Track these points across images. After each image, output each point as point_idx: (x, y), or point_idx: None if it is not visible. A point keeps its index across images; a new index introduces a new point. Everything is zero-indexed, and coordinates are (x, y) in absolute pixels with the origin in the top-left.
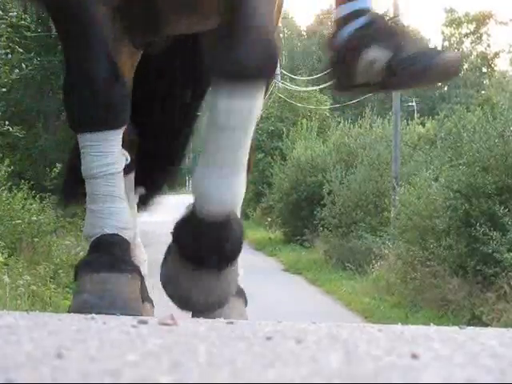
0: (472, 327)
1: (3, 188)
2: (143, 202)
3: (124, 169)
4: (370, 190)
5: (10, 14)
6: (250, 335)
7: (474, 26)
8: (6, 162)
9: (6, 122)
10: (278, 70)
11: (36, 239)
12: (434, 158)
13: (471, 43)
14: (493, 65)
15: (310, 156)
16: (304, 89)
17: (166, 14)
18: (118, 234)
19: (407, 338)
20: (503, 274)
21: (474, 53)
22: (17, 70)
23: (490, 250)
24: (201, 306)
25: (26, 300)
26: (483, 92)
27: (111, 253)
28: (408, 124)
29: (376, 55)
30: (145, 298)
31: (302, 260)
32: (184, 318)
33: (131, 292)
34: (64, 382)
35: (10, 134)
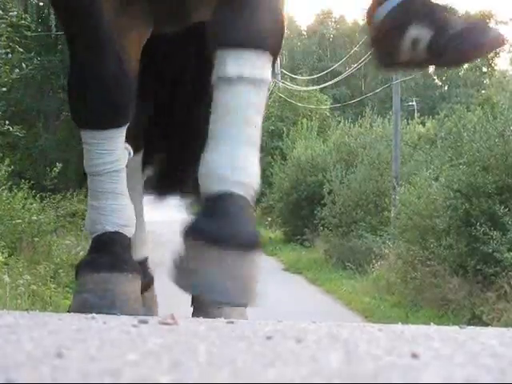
0: (472, 327)
1: (3, 187)
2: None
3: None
4: (371, 190)
5: (10, 13)
6: (250, 335)
7: None
8: (7, 161)
9: (7, 122)
10: (278, 70)
11: (36, 239)
12: (435, 157)
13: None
14: (493, 64)
15: (310, 155)
16: (304, 88)
17: (193, 2)
18: (118, 232)
19: (407, 338)
20: (503, 273)
21: None
22: (17, 70)
23: (491, 250)
24: (228, 292)
25: (26, 299)
26: (483, 91)
27: (112, 252)
28: (408, 123)
29: (418, 33)
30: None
31: (303, 259)
32: (184, 317)
33: (131, 292)
34: (64, 381)
35: (11, 133)
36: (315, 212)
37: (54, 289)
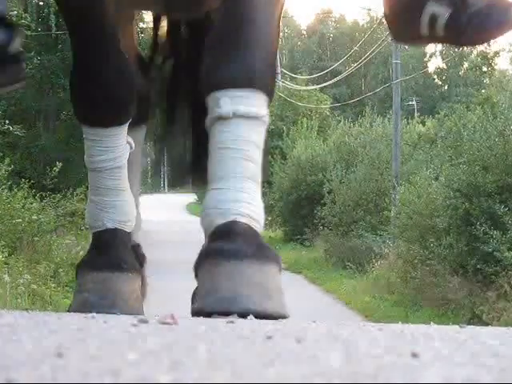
0: (472, 326)
1: (3, 187)
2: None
3: (135, 121)
4: (371, 189)
5: (10, 12)
6: (250, 334)
7: None
8: (7, 160)
9: (6, 121)
10: (278, 69)
11: (36, 238)
12: (435, 156)
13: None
14: (493, 64)
15: (310, 155)
16: (304, 88)
17: None
18: (119, 229)
19: (407, 337)
20: (503, 272)
21: (474, 52)
22: None
23: (491, 249)
24: (248, 300)
25: (26, 299)
26: (483, 91)
27: (112, 251)
28: (408, 123)
29: (436, 10)
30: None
31: (303, 259)
32: (184, 317)
33: (132, 291)
34: (64, 381)
35: (11, 132)
36: (315, 211)
37: (54, 288)
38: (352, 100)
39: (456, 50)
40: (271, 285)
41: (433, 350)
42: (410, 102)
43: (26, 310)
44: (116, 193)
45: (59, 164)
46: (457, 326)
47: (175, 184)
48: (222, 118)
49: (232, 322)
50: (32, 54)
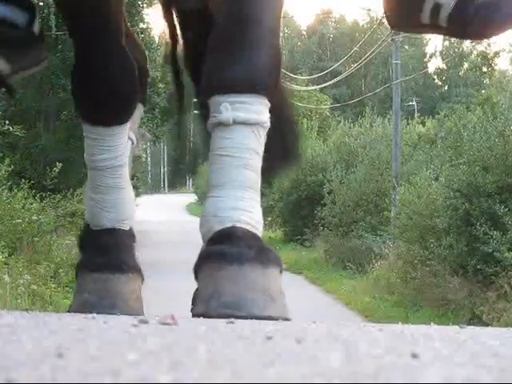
0: (472, 326)
1: (3, 187)
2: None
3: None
4: (371, 190)
5: None
6: (251, 335)
7: None
8: (7, 161)
9: (7, 122)
10: None
11: (36, 238)
12: (435, 157)
13: (471, 42)
14: (493, 64)
15: (310, 155)
16: (304, 88)
17: None
18: (118, 229)
19: (407, 338)
20: (503, 273)
21: (475, 52)
22: None
23: (491, 250)
24: (253, 304)
25: (26, 299)
26: (483, 91)
27: (112, 252)
28: (408, 123)
29: (439, 1)
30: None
31: (303, 259)
32: (184, 317)
33: (132, 292)
34: (64, 381)
35: (11, 133)
36: (315, 212)
37: (54, 288)
38: (352, 100)
39: (456, 50)
40: (274, 288)
41: (433, 350)
42: (410, 103)
43: (26, 310)
44: (117, 191)
45: (59, 164)
46: (457, 327)
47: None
48: (222, 124)
49: (232, 322)
50: None
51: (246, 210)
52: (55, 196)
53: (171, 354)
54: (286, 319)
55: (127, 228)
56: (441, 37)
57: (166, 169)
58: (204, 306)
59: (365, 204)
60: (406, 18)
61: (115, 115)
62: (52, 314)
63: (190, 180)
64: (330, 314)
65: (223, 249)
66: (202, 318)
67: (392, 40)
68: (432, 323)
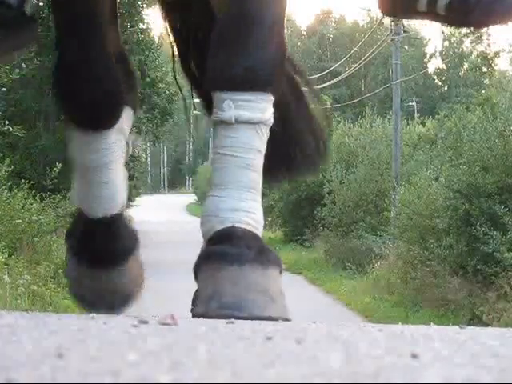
0: (472, 327)
1: (3, 188)
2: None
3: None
4: (371, 190)
5: None
6: (251, 335)
7: None
8: (7, 161)
9: (6, 122)
10: None
11: (36, 239)
12: (434, 157)
13: (471, 43)
14: (493, 64)
15: None
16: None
17: None
18: (108, 217)
19: (407, 338)
20: (503, 273)
21: (475, 52)
22: (17, 70)
23: (491, 250)
24: (253, 305)
25: (26, 299)
26: (483, 91)
27: (103, 244)
28: (408, 123)
29: None
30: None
31: (303, 259)
32: (184, 317)
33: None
34: (64, 381)
35: (11, 133)
36: (315, 212)
37: (54, 289)
38: (352, 101)
39: (456, 50)
40: (274, 288)
41: (433, 350)
42: (410, 103)
43: (26, 310)
44: (109, 186)
45: (59, 165)
46: (457, 327)
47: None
48: (224, 124)
49: (232, 322)
50: (32, 54)
51: (247, 210)
52: (55, 196)
53: (171, 354)
54: (286, 320)
55: (119, 212)
56: (440, 37)
57: (165, 169)
58: (204, 307)
59: (365, 204)
60: (401, 5)
61: (100, 118)
62: (52, 315)
63: (190, 180)
64: (329, 314)
65: (223, 249)
66: (202, 318)
67: (392, 40)
68: (432, 323)
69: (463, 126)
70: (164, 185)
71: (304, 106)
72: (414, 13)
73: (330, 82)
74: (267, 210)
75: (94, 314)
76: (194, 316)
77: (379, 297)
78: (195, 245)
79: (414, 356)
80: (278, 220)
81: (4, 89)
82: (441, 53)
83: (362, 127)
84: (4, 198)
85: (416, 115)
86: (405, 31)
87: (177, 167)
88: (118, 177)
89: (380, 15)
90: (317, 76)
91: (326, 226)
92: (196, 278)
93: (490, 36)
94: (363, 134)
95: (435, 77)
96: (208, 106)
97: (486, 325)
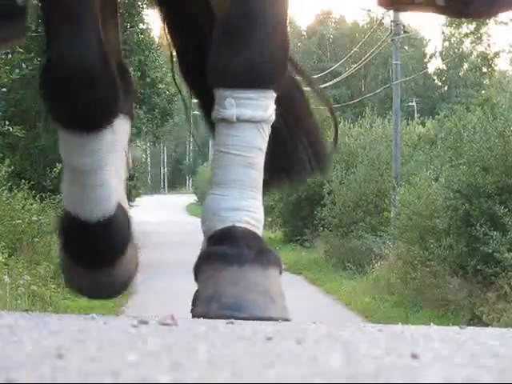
0: (472, 327)
1: (3, 188)
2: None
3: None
4: (370, 190)
5: None
6: (251, 335)
7: (474, 25)
8: (7, 161)
9: (7, 122)
10: None
11: (36, 239)
12: (434, 157)
13: (471, 43)
14: (493, 65)
15: None
16: (304, 89)
17: None
18: (107, 220)
19: (407, 338)
20: (503, 273)
21: (474, 53)
22: (17, 70)
23: (491, 250)
24: (254, 306)
25: (26, 300)
26: (483, 92)
27: (101, 246)
28: (408, 124)
29: None
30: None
31: (303, 260)
32: (184, 318)
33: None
34: (64, 381)
35: (11, 133)
36: (315, 212)
37: (53, 289)
38: (352, 101)
39: (456, 50)
40: (274, 289)
41: (433, 350)
42: (410, 103)
43: (26, 310)
44: (103, 188)
45: (59, 165)
46: (457, 327)
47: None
48: (226, 122)
49: (232, 322)
50: (32, 54)
51: (248, 210)
52: (55, 197)
53: (171, 354)
54: (286, 320)
55: (112, 213)
56: (441, 37)
57: (165, 169)
58: (204, 307)
59: (365, 204)
60: None
61: (93, 119)
62: (52, 315)
63: (190, 180)
64: (329, 314)
65: (223, 250)
66: (202, 318)
67: (392, 41)
68: (432, 324)
69: (463, 127)
70: (164, 185)
71: (304, 108)
72: (411, 4)
73: (330, 83)
74: (267, 211)
75: (94, 315)
76: (194, 316)
77: (379, 297)
78: (195, 245)
79: (414, 356)
80: (278, 220)
81: (4, 89)
82: (441, 53)
83: (362, 127)
84: (4, 199)
85: (416, 115)
86: (405, 31)
87: (177, 167)
88: (113, 177)
89: (380, 16)
90: (317, 76)
91: (326, 227)
92: (196, 278)
93: (490, 36)
94: (363, 134)
95: (435, 77)
96: (204, 105)
97: (486, 325)
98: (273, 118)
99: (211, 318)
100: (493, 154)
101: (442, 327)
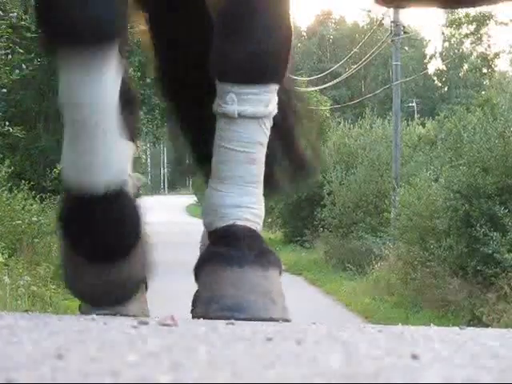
0: (472, 328)
1: (3, 189)
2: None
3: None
4: (370, 191)
5: (11, 14)
6: (251, 336)
7: (475, 26)
8: (7, 162)
9: (7, 123)
10: None
11: (36, 240)
12: (434, 158)
13: (471, 44)
14: (493, 65)
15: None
16: (304, 89)
17: None
18: (113, 195)
19: (407, 339)
20: (503, 274)
21: (475, 53)
22: (17, 71)
23: (491, 251)
24: (254, 307)
25: (26, 300)
26: (483, 92)
27: (102, 235)
28: (408, 124)
29: None
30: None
31: (303, 260)
32: (184, 318)
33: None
34: (64, 381)
35: (11, 134)
36: (315, 213)
37: (54, 290)
38: (352, 102)
39: (456, 51)
40: (274, 290)
41: (433, 351)
42: (410, 104)
43: (26, 311)
44: (107, 149)
45: (59, 166)
46: (457, 328)
47: (184, 175)
48: (227, 117)
49: (232, 323)
50: (32, 55)
51: (248, 206)
52: (55, 197)
53: (171, 354)
54: (287, 320)
55: (126, 186)
56: (441, 38)
57: (165, 170)
58: (204, 308)
59: (365, 205)
60: None
61: (98, 31)
62: (52, 316)
63: (190, 181)
64: (329, 315)
65: (224, 251)
66: (202, 319)
67: (392, 41)
68: (432, 324)
69: (463, 127)
70: (164, 186)
71: (291, 112)
72: (409, 0)
73: (330, 83)
74: (267, 211)
75: (94, 315)
76: (194, 317)
77: (379, 298)
78: (195, 246)
79: (414, 357)
80: (278, 221)
81: (4, 90)
82: (441, 54)
83: (362, 128)
84: (4, 199)
85: (416, 116)
86: (405, 32)
87: (177, 168)
88: (121, 140)
89: (380, 16)
90: (317, 77)
91: (326, 227)
92: (196, 279)
93: (490, 37)
94: (363, 134)
95: (435, 78)
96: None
97: (486, 326)
98: (275, 112)
99: (211, 318)
100: (493, 154)
101: (442, 328)
